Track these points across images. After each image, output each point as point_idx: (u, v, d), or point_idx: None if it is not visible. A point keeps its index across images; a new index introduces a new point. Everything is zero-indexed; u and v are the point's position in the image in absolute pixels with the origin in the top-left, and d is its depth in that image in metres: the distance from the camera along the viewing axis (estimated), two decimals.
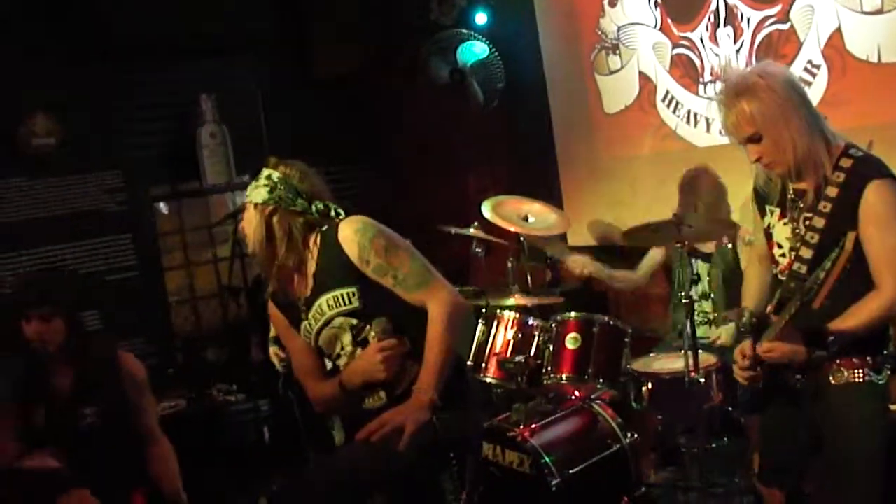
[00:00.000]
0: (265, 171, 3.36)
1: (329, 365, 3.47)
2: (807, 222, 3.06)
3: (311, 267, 3.34)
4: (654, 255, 5.33)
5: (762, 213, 3.29)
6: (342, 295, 3.29)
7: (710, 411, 4.49)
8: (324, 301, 3.31)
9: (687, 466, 4.66)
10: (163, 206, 6.76)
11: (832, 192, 2.99)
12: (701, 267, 5.00)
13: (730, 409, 4.52)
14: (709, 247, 4.97)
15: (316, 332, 3.38)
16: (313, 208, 3.34)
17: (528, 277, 5.60)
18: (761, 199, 3.29)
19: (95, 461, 3.88)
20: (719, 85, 3.15)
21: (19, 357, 3.97)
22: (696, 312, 4.78)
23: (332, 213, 3.38)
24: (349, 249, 3.25)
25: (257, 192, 3.32)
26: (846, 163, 3.00)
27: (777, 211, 3.20)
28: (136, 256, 6.51)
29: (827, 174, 3.01)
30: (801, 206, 3.09)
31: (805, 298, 2.84)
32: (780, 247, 3.18)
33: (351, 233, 3.27)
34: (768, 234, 3.25)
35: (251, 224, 3.35)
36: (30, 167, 6.11)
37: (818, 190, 3.03)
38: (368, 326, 3.29)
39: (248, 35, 6.53)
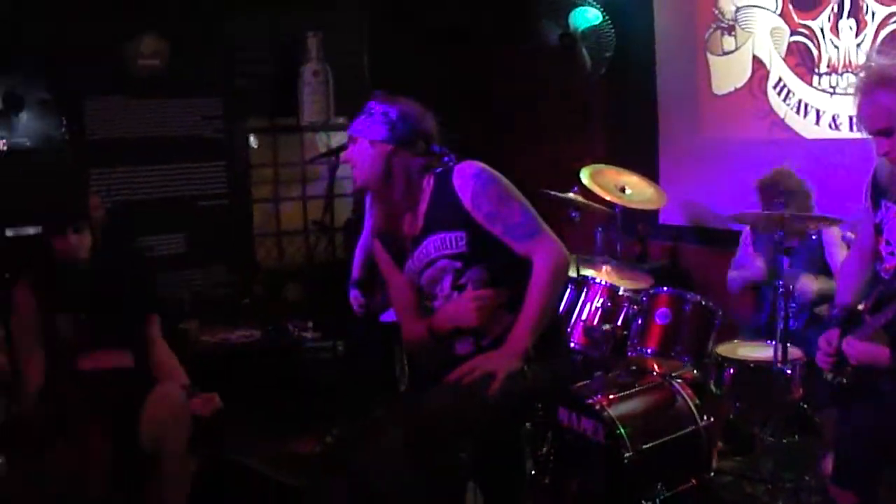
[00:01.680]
0: (380, 107, 3.32)
1: (427, 305, 3.47)
2: None
3: (423, 207, 3.34)
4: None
5: (875, 207, 3.22)
6: (450, 238, 3.29)
7: (788, 405, 4.44)
8: (431, 242, 3.32)
9: (757, 458, 4.60)
10: (254, 140, 6.79)
11: None
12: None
13: (805, 405, 4.47)
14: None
15: (419, 271, 3.39)
16: (431, 151, 3.32)
17: (619, 249, 5.57)
18: (878, 193, 3.22)
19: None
20: (861, 73, 3.07)
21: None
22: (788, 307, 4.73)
23: (447, 158, 3.37)
24: (462, 194, 3.25)
25: (375, 129, 3.29)
26: None
27: (894, 207, 3.13)
28: (227, 185, 6.59)
29: None
30: None
31: None
32: (889, 243, 3.13)
33: (467, 177, 3.26)
34: (878, 229, 3.19)
35: (365, 160, 3.32)
36: (133, 86, 6.19)
37: None
38: (469, 271, 3.29)
39: None
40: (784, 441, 4.56)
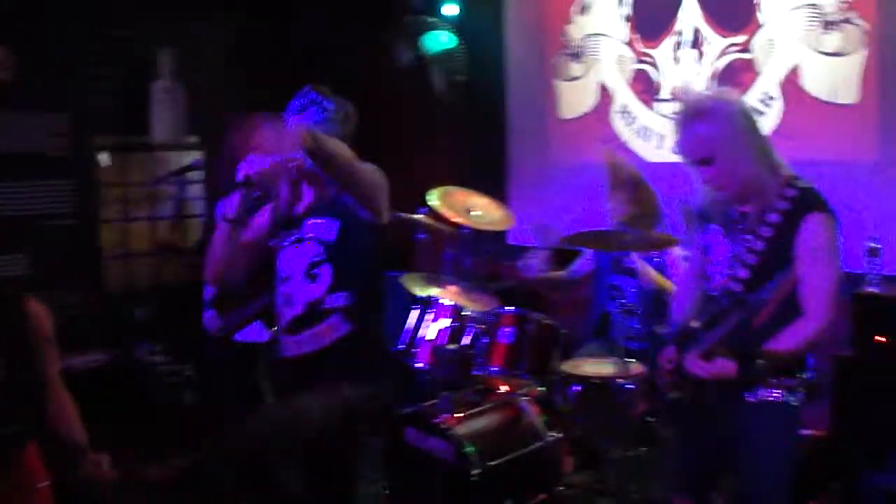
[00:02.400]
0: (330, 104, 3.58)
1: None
2: (746, 244, 3.13)
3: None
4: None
5: (702, 231, 3.35)
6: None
7: (632, 419, 4.54)
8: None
9: (605, 471, 4.69)
10: (105, 157, 6.64)
11: (774, 218, 3.08)
12: (623, 281, 5.06)
13: (651, 419, 4.59)
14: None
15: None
16: None
17: (466, 270, 5.60)
18: (703, 217, 3.36)
19: None
20: (677, 105, 3.19)
21: None
22: (616, 327, 4.86)
23: None
24: None
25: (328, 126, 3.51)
26: (790, 192, 3.09)
27: (719, 230, 3.26)
28: (73, 204, 6.41)
29: (770, 201, 3.09)
30: (742, 228, 3.16)
31: (747, 316, 2.90)
32: (715, 264, 3.25)
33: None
34: (705, 251, 3.32)
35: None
36: None
37: (761, 215, 3.11)
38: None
39: None
40: (630, 454, 4.65)
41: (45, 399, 3.97)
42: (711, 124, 3.02)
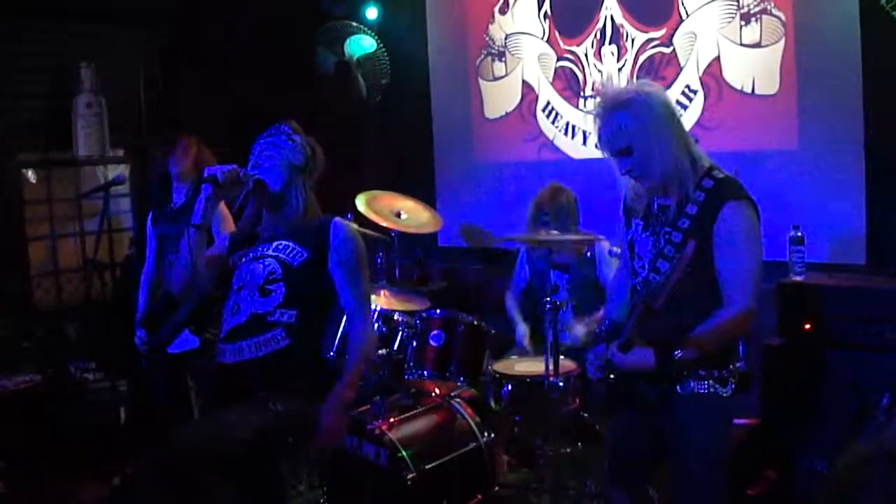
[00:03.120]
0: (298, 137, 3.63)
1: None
2: (666, 236, 3.15)
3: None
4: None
5: (627, 226, 3.38)
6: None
7: (567, 416, 4.57)
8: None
9: (541, 469, 4.71)
10: (31, 174, 6.55)
11: (692, 209, 3.10)
12: (558, 277, 5.10)
13: (585, 414, 4.62)
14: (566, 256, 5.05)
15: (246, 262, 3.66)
16: None
17: (397, 273, 5.63)
18: (628, 212, 3.39)
19: None
20: (597, 98, 3.21)
21: None
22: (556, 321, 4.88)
23: None
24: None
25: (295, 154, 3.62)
26: (708, 183, 3.11)
27: (641, 224, 3.29)
28: None
29: (689, 192, 3.12)
30: (663, 220, 3.19)
31: (647, 301, 2.92)
32: (640, 258, 3.27)
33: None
34: (631, 246, 3.35)
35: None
36: None
37: (680, 206, 3.13)
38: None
39: (134, 5, 6.46)
40: (566, 450, 4.68)
41: None
42: (630, 114, 3.06)
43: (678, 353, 3.03)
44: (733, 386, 3.15)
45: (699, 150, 3.20)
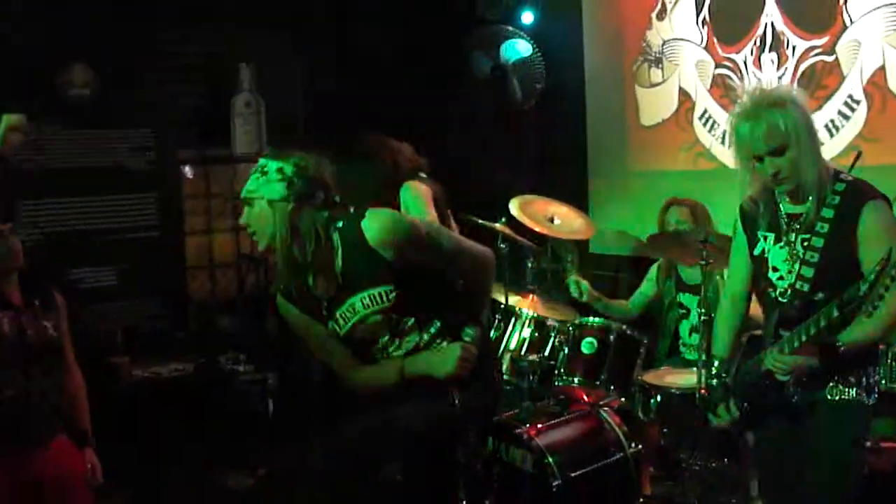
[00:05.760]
0: (273, 164, 3.15)
1: (358, 353, 3.35)
2: (805, 243, 3.15)
3: (338, 264, 3.20)
4: (646, 291, 5.34)
5: (754, 240, 3.35)
6: (377, 294, 3.18)
7: (714, 431, 4.49)
8: (357, 300, 3.20)
9: (686, 483, 4.65)
10: (188, 170, 6.76)
11: (828, 213, 3.10)
12: (688, 299, 5.02)
13: (734, 431, 4.54)
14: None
15: (349, 328, 3.26)
16: (333, 201, 3.20)
17: (548, 279, 5.61)
18: (751, 226, 3.35)
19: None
20: (745, 98, 3.17)
21: None
22: (687, 347, 4.87)
23: (348, 206, 3.25)
24: (379, 245, 3.14)
25: (271, 188, 3.12)
26: (840, 186, 3.12)
27: (772, 236, 3.27)
28: (158, 216, 6.54)
29: (824, 197, 3.12)
30: (798, 228, 3.18)
31: (846, 312, 2.89)
32: (776, 270, 3.25)
33: (378, 228, 3.14)
34: (762, 260, 3.31)
35: (267, 222, 3.15)
36: (64, 116, 6.14)
37: (815, 212, 3.13)
38: (405, 319, 3.24)
39: (293, 9, 6.64)
40: (712, 465, 4.62)
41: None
42: (787, 114, 3.05)
43: (841, 346, 3.01)
44: (876, 395, 3.17)
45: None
